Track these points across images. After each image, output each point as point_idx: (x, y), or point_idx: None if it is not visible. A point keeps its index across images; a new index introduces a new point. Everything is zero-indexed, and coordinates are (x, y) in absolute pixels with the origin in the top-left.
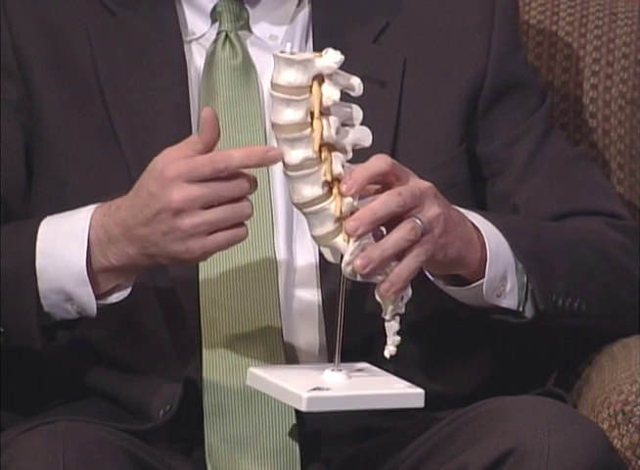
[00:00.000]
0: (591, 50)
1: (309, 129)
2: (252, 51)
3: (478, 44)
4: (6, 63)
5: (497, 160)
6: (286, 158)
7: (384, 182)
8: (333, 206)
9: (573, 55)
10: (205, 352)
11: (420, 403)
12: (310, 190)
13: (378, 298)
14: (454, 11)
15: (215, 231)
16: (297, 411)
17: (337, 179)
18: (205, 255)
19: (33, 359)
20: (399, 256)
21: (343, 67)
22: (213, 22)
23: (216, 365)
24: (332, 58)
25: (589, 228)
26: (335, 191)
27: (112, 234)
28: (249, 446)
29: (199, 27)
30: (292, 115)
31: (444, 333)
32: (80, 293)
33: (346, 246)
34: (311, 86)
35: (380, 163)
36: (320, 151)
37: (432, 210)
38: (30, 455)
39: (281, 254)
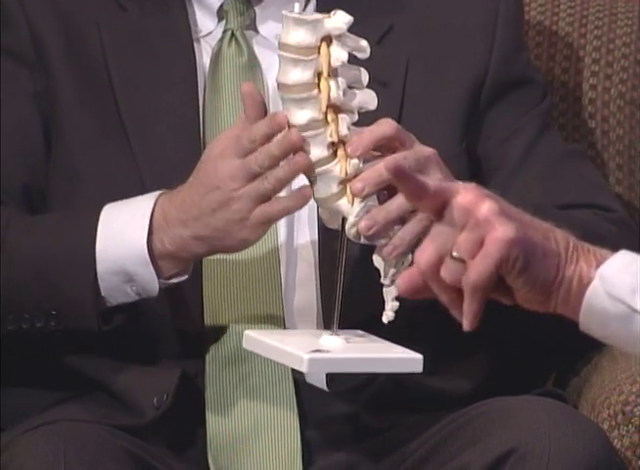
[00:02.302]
0: (591, 50)
1: (316, 90)
2: (258, 50)
3: (480, 44)
4: (25, 53)
5: (494, 156)
6: (292, 118)
7: (388, 147)
8: (338, 168)
9: (573, 55)
10: (207, 344)
11: (419, 368)
12: (316, 151)
13: (377, 264)
14: (458, 11)
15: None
16: (300, 402)
17: (342, 141)
18: (251, 236)
19: (34, 355)
20: (403, 220)
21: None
22: (220, 20)
23: (219, 358)
24: (341, 19)
25: (582, 217)
26: (340, 153)
27: (169, 217)
28: (250, 440)
29: (206, 25)
30: (299, 75)
31: (444, 332)
32: (143, 272)
33: (350, 208)
34: (319, 47)
35: (386, 126)
36: (326, 112)
37: (435, 175)
38: (32, 455)
39: (283, 252)
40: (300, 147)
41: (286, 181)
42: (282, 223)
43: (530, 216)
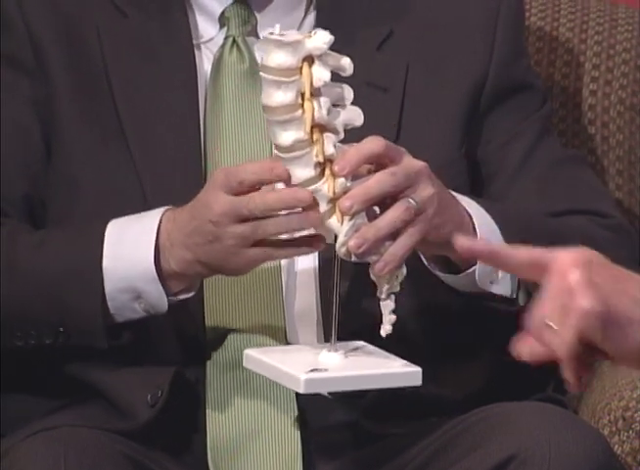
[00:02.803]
0: (591, 56)
1: (300, 111)
2: (260, 56)
3: (481, 47)
4: (25, 59)
5: (493, 160)
6: (277, 140)
7: (378, 163)
8: (326, 187)
9: (573, 61)
10: (208, 349)
11: (417, 382)
12: (303, 171)
13: (373, 277)
14: (458, 15)
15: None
16: (300, 408)
17: (329, 160)
18: (248, 267)
19: (33, 362)
20: (393, 235)
21: None
22: (221, 26)
23: (219, 362)
24: (321, 38)
25: (577, 224)
26: (327, 172)
27: (173, 239)
28: (250, 445)
29: (207, 31)
30: (282, 96)
31: (444, 337)
32: (151, 290)
33: (340, 226)
34: (301, 67)
35: (373, 144)
36: (312, 132)
37: (426, 190)
38: (32, 461)
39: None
40: (312, 205)
41: (285, 233)
42: None
43: (629, 274)
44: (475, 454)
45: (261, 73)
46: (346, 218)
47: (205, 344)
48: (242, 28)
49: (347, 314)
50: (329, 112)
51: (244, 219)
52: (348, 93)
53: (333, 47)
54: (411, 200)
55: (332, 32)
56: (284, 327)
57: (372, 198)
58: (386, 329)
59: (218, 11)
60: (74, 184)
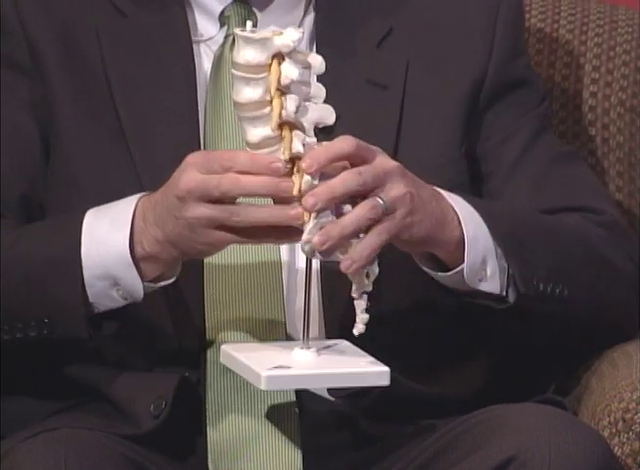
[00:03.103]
0: (591, 58)
1: (269, 108)
2: None
3: (480, 45)
4: (21, 61)
5: (490, 157)
6: (247, 136)
7: (352, 163)
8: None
9: (573, 62)
10: (208, 351)
11: (385, 382)
12: None
13: (349, 276)
14: (457, 15)
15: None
16: (300, 410)
17: (297, 158)
18: (212, 248)
19: (34, 364)
20: (360, 234)
21: (347, 70)
22: (222, 25)
23: (219, 364)
24: (290, 36)
25: (569, 222)
26: (295, 169)
27: (147, 218)
28: (251, 446)
29: (207, 30)
30: (251, 93)
31: (442, 339)
32: (126, 275)
33: (305, 224)
34: (271, 64)
35: (344, 144)
36: (281, 129)
37: (396, 189)
38: (32, 462)
39: (284, 256)
40: (288, 198)
41: (263, 224)
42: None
43: None
44: (475, 456)
45: (232, 70)
46: (312, 216)
47: (206, 345)
48: (242, 27)
49: (345, 312)
50: (297, 109)
51: (212, 200)
52: (320, 91)
53: (333, 45)
54: (379, 199)
55: (331, 30)
56: (285, 326)
57: (336, 196)
58: (358, 328)
59: (218, 10)
60: (74, 185)
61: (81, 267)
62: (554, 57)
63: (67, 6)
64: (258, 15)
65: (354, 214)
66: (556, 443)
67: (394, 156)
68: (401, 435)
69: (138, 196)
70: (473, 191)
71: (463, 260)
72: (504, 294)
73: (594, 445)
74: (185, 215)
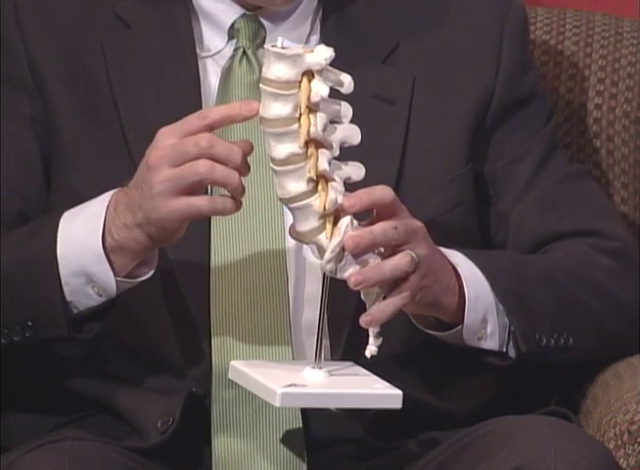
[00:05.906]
0: (596, 70)
1: (296, 124)
2: None
3: (486, 64)
4: (22, 77)
5: (499, 178)
6: (272, 152)
7: (378, 212)
8: (317, 202)
9: (578, 75)
10: (214, 364)
11: (398, 405)
12: (295, 185)
13: (363, 297)
14: (464, 31)
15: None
16: (305, 424)
17: (322, 176)
18: (172, 218)
19: (37, 377)
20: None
21: (354, 85)
22: (230, 38)
23: (225, 377)
24: (322, 54)
25: (574, 256)
26: (320, 187)
27: (119, 206)
28: (256, 460)
29: (215, 43)
30: (279, 109)
31: (448, 351)
32: (99, 271)
33: (328, 243)
34: (300, 81)
35: (385, 193)
36: (307, 147)
37: (420, 249)
38: None
39: (291, 268)
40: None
41: (208, 180)
42: (290, 240)
43: None
44: (480, 467)
45: (261, 85)
46: (335, 235)
47: (211, 358)
48: (252, 41)
49: (355, 329)
50: (325, 128)
51: (183, 163)
52: (347, 111)
53: (339, 61)
54: (414, 254)
55: (338, 46)
56: (290, 342)
57: (375, 244)
58: (371, 350)
59: (228, 22)
60: (78, 199)
61: (57, 265)
62: (559, 69)
63: (70, 19)
64: (268, 28)
65: (394, 263)
66: (561, 455)
67: (400, 171)
68: (406, 448)
69: (115, 190)
70: (478, 209)
71: (462, 321)
72: (504, 350)
73: (599, 457)
74: (151, 181)
